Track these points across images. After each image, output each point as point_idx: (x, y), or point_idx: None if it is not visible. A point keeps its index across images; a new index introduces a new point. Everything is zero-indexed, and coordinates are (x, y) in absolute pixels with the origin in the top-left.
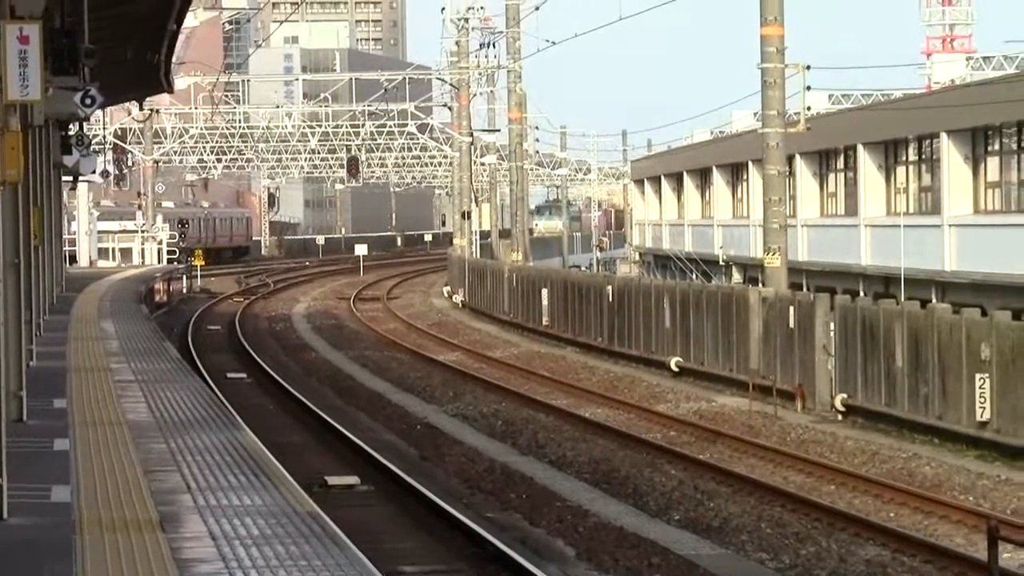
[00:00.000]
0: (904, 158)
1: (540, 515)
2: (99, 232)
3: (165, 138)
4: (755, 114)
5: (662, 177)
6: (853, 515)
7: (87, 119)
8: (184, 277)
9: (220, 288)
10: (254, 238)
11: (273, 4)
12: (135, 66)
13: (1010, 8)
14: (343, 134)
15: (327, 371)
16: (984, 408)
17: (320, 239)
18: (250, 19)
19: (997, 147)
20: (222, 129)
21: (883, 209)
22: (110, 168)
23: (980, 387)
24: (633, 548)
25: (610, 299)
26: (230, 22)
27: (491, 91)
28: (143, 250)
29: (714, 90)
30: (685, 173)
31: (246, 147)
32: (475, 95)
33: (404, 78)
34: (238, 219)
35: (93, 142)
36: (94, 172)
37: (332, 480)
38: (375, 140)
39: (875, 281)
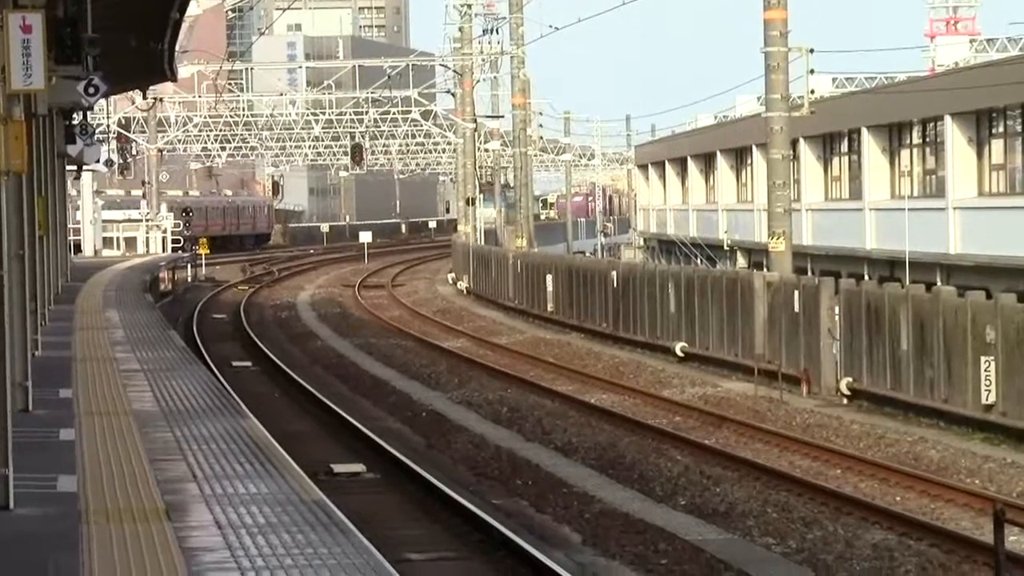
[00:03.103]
0: (908, 141)
1: (546, 501)
2: (104, 221)
3: (169, 126)
4: (759, 98)
5: (666, 162)
6: (859, 499)
7: (91, 108)
8: (189, 266)
9: (225, 276)
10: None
11: None
12: (138, 55)
13: None
14: (347, 121)
15: (332, 359)
16: (990, 391)
17: (324, 227)
18: (253, 7)
19: (1001, 129)
20: (226, 117)
21: (887, 192)
22: (114, 157)
23: (985, 370)
24: (639, 534)
25: (615, 285)
26: (233, 10)
27: (494, 77)
28: (147, 239)
29: (718, 74)
30: (689, 158)
31: (250, 135)
32: (479, 81)
33: (407, 65)
34: (259, 207)
35: (97, 131)
36: (98, 161)
37: (338, 468)
38: (379, 127)
39: (880, 265)
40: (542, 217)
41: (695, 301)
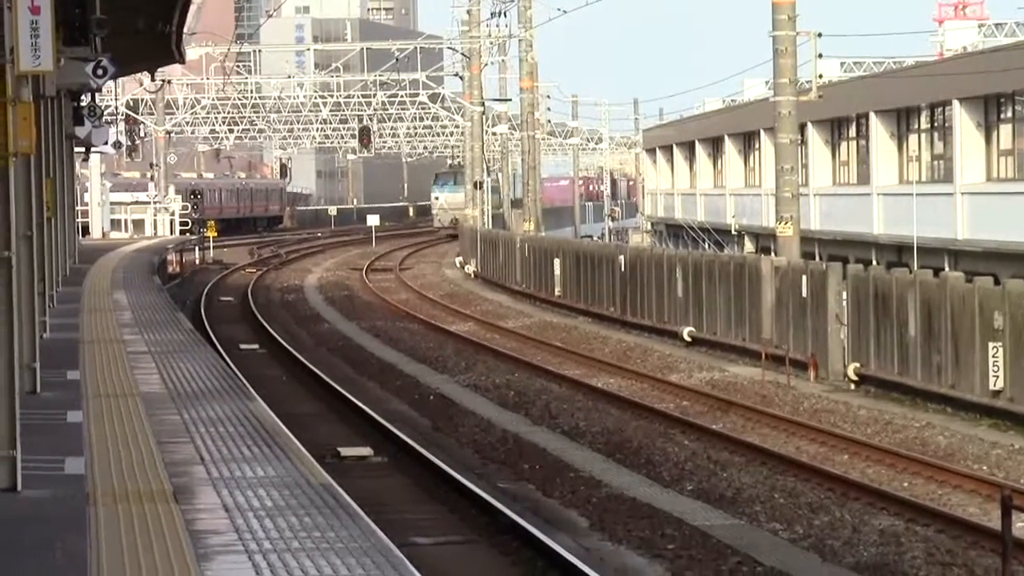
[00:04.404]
0: (916, 126)
1: (553, 485)
2: (112, 203)
3: (177, 109)
4: (767, 82)
5: (674, 146)
6: (866, 485)
7: (99, 90)
8: (197, 248)
9: (233, 259)
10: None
11: None
12: (146, 36)
13: None
14: (355, 104)
15: (339, 342)
16: (997, 377)
17: (332, 210)
18: None
19: (1010, 114)
20: (234, 99)
21: (895, 177)
22: (122, 139)
23: (993, 356)
24: (646, 518)
25: (622, 269)
26: None
27: (503, 60)
28: (155, 221)
29: (726, 58)
30: (697, 142)
31: (258, 117)
32: (487, 64)
33: (415, 48)
34: (272, 189)
35: (105, 113)
36: (106, 143)
37: (345, 451)
38: (387, 110)
39: (887, 250)
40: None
41: (703, 286)
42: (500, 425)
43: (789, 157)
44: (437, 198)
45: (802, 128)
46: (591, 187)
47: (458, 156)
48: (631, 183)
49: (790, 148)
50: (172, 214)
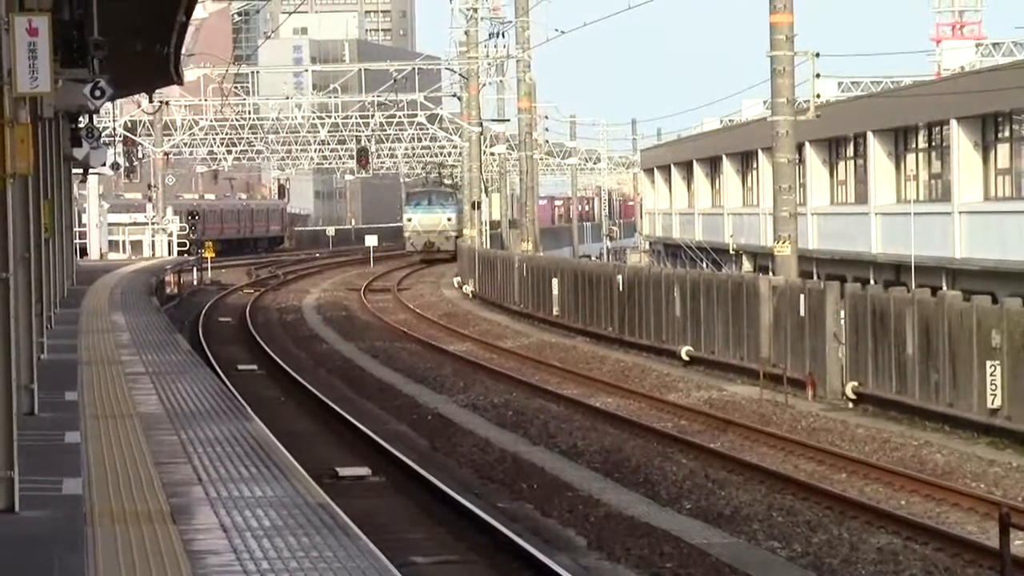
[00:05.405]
0: (914, 145)
1: (551, 505)
2: (109, 224)
3: (175, 130)
4: (765, 102)
5: (672, 166)
6: (864, 503)
7: (97, 111)
8: (195, 269)
9: (231, 280)
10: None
11: None
12: (144, 58)
13: None
14: (353, 125)
15: (337, 362)
16: (995, 395)
17: (330, 230)
18: (259, 10)
19: (1007, 134)
20: (232, 121)
21: (893, 196)
22: (120, 160)
23: (991, 374)
24: (644, 537)
25: (620, 288)
26: (239, 13)
27: (500, 81)
28: (153, 242)
29: (724, 78)
30: (695, 162)
31: (256, 138)
32: (484, 85)
33: (413, 68)
34: (273, 210)
35: (103, 134)
36: (104, 164)
37: (343, 471)
38: (385, 131)
39: (885, 269)
40: None
41: (701, 305)
42: (498, 445)
43: (787, 177)
44: (410, 219)
45: (800, 148)
46: (574, 207)
47: (432, 172)
48: (622, 202)
49: (788, 168)
50: (170, 235)
